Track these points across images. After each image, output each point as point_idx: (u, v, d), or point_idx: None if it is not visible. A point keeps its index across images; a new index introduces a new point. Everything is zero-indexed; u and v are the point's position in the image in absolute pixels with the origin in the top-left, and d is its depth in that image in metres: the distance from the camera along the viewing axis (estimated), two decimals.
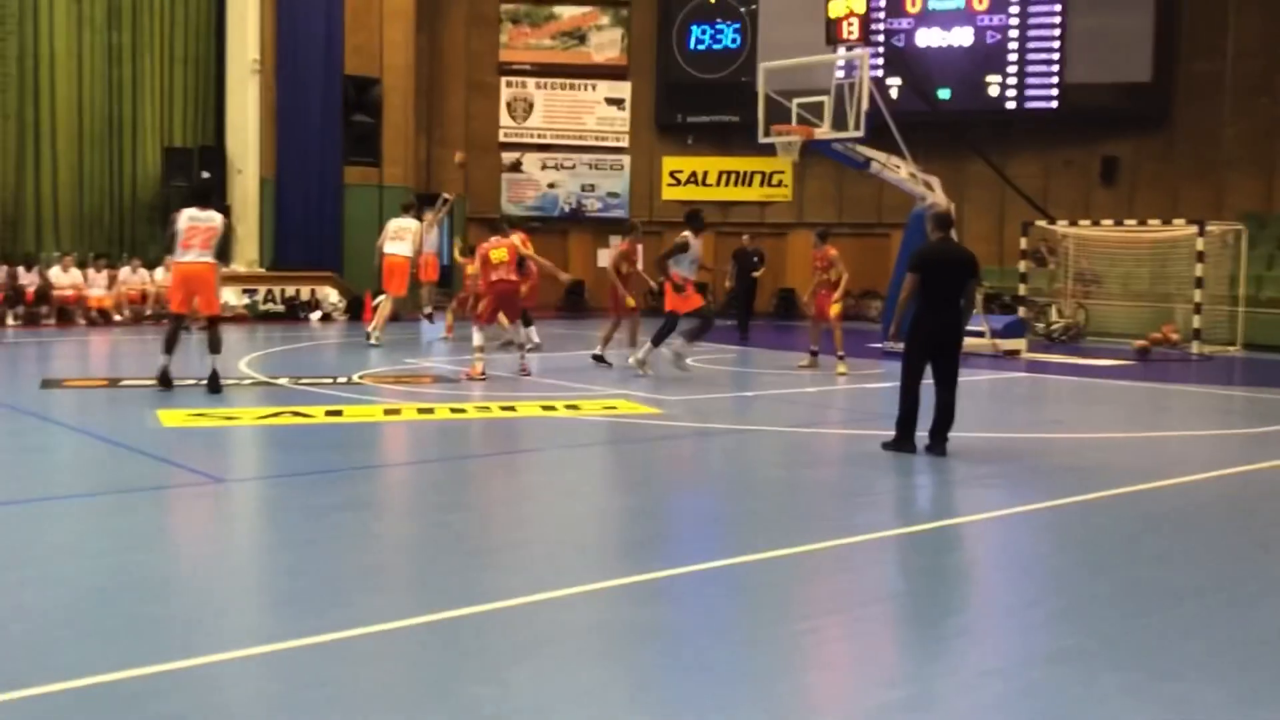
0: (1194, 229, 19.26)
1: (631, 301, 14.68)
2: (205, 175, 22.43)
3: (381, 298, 17.26)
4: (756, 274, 21.24)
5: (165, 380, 10.97)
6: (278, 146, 23.19)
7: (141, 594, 4.83)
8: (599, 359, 13.95)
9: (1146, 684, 3.99)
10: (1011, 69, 26.20)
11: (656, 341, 13.02)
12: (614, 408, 10.68)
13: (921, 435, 8.41)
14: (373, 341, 16.14)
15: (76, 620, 4.48)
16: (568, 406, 10.60)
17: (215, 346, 11.01)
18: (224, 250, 11.28)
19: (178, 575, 5.16)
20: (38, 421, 9.32)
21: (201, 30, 23.62)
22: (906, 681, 4.05)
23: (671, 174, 28.70)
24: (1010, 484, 7.66)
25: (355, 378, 12.35)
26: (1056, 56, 25.94)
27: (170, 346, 11.03)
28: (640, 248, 15.22)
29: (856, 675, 4.17)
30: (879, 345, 18.02)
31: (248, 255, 23.00)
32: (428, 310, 18.73)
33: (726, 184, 28.28)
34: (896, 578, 5.51)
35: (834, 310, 14.43)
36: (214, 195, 12.12)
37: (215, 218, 11.11)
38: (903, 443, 8.40)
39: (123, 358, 15.43)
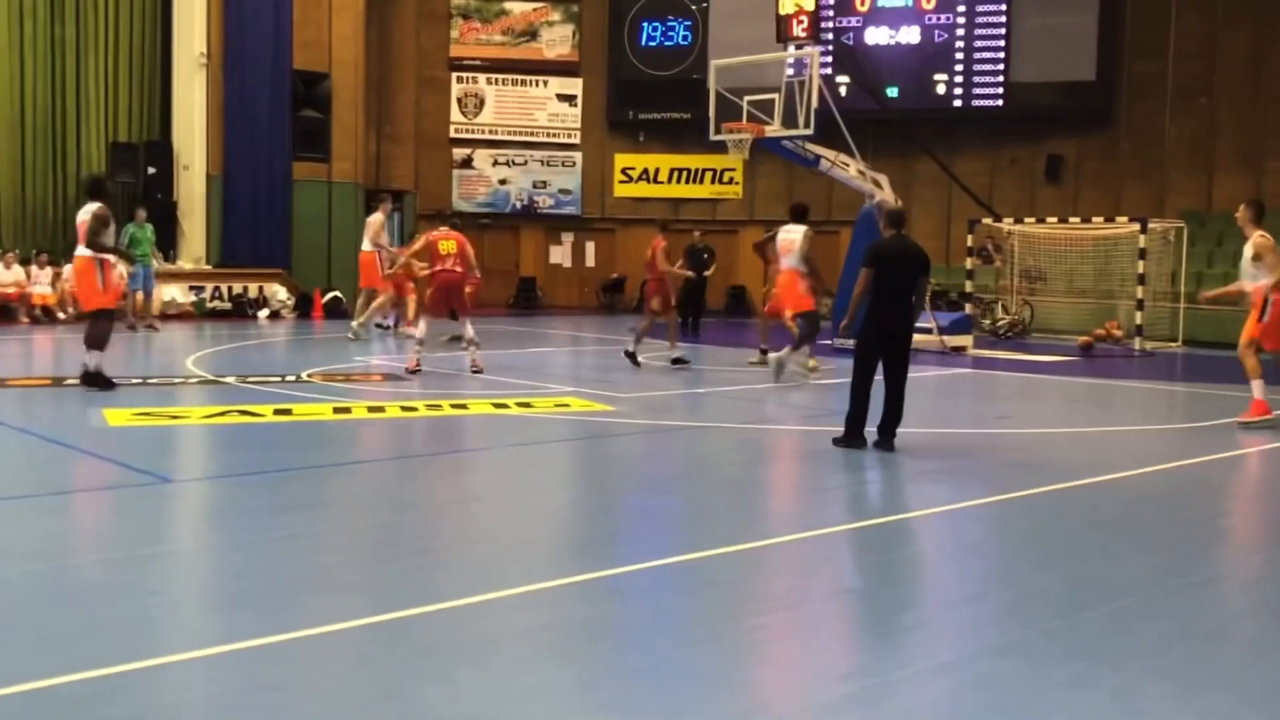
0: (1136, 227, 19.59)
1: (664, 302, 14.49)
2: (151, 171, 22.17)
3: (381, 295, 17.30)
4: (707, 272, 21.31)
5: (92, 379, 10.81)
6: (225, 142, 22.93)
7: (88, 596, 4.77)
8: (631, 356, 13.96)
9: (1092, 675, 4.06)
10: (958, 68, 26.47)
11: (803, 343, 13.38)
12: (566, 405, 10.68)
13: (870, 431, 8.49)
14: (350, 335, 16.55)
15: (21, 624, 4.41)
16: (519, 404, 10.58)
17: (88, 341, 10.84)
18: (91, 240, 10.93)
19: (124, 577, 5.10)
20: None
21: (147, 23, 23.29)
22: (857, 676, 4.10)
23: (623, 171, 28.72)
24: (957, 479, 7.76)
25: (304, 376, 12.25)
26: (1002, 56, 26.25)
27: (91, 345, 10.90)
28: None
29: (808, 671, 4.21)
30: (829, 342, 18.16)
31: (194, 252, 22.74)
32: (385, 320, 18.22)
33: (677, 181, 28.35)
34: (847, 573, 5.57)
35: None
36: (103, 188, 11.89)
37: (86, 210, 11.07)
38: (853, 439, 8.48)
39: (66, 356, 15.20)
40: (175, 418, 9.45)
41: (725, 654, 4.29)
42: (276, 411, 9.79)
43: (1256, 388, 10.10)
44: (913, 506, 6.86)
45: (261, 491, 7.00)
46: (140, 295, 18.48)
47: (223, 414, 9.66)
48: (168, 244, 22.22)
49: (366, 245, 17.39)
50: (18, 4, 21.60)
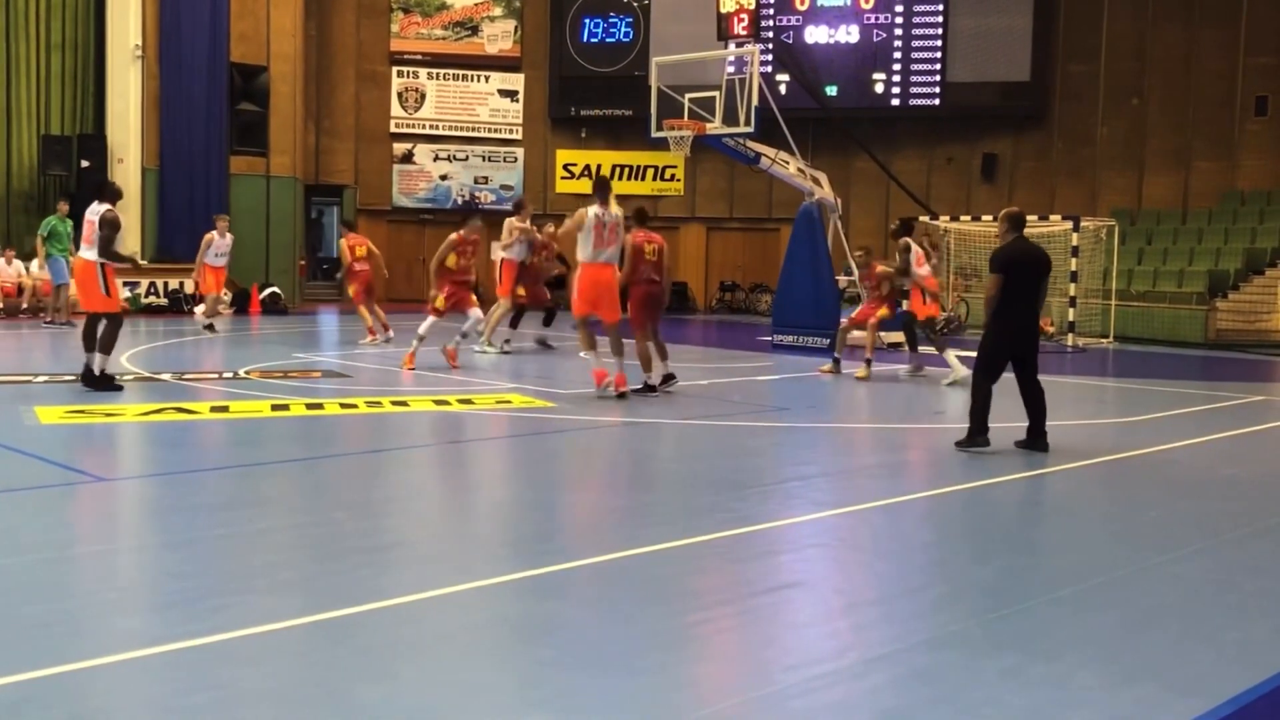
0: (1069, 224, 19.93)
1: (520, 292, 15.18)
2: (84, 164, 21.76)
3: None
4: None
5: (98, 381, 10.60)
6: (161, 135, 22.58)
7: (19, 597, 4.69)
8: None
9: (1026, 666, 4.14)
10: (896, 67, 26.76)
11: (915, 345, 13.85)
12: (507, 402, 10.66)
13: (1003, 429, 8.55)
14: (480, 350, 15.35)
15: None
16: (460, 401, 10.54)
17: (100, 345, 10.64)
18: (105, 249, 10.62)
19: (57, 578, 5.01)
20: None
21: (80, 14, 22.88)
22: (797, 668, 4.14)
23: (565, 167, 28.70)
24: (894, 474, 7.87)
25: (242, 373, 12.11)
26: (939, 56, 26.58)
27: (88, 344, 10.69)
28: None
29: (749, 664, 4.25)
30: (768, 339, 18.28)
31: (129, 247, 22.33)
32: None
33: (619, 178, 28.39)
34: (786, 567, 5.62)
35: (878, 315, 14.10)
36: (114, 191, 11.13)
37: (94, 211, 10.72)
38: (975, 439, 8.50)
39: None
40: (109, 415, 9.30)
41: (666, 649, 4.31)
42: (213, 409, 9.67)
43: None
44: (849, 501, 6.94)
45: (197, 490, 6.91)
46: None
47: (158, 411, 9.52)
48: None
49: (503, 253, 15.85)
50: None
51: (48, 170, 21.84)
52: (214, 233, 17.39)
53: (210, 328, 17.32)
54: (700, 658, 4.33)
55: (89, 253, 10.63)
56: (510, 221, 15.74)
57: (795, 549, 5.97)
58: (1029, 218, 21.59)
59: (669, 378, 11.70)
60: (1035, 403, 8.63)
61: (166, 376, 11.80)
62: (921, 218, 22.03)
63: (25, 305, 20.07)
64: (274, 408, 9.94)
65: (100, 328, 10.65)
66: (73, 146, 22.05)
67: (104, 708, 3.66)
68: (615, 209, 11.06)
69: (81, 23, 22.92)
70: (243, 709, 3.62)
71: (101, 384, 10.55)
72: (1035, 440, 8.61)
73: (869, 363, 13.75)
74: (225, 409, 9.73)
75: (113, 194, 10.95)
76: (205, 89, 22.77)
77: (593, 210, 10.96)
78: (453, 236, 13.61)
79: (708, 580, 5.30)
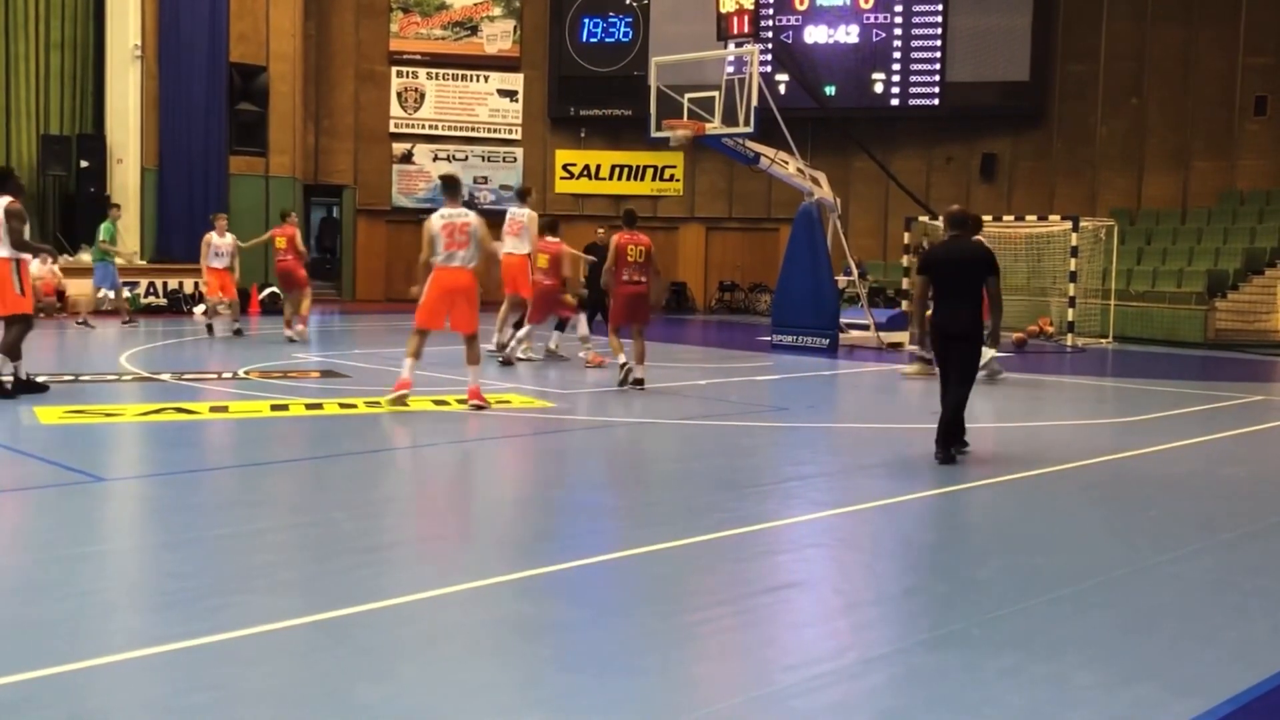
0: (1068, 224, 19.94)
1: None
2: (83, 164, 21.77)
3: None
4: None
5: (25, 387, 10.12)
6: (160, 135, 22.58)
7: (19, 598, 4.69)
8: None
9: (1026, 665, 4.14)
10: (895, 67, 26.76)
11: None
12: (507, 402, 10.66)
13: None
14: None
15: None
16: (459, 401, 10.54)
17: (6, 350, 9.99)
18: (17, 240, 9.94)
19: (57, 577, 5.02)
20: None
21: (80, 14, 22.88)
22: (796, 668, 4.14)
23: (564, 167, 28.70)
24: (895, 473, 7.87)
25: (242, 373, 12.11)
26: (938, 56, 26.58)
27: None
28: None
29: (748, 664, 4.25)
30: (767, 339, 18.29)
31: (128, 247, 22.35)
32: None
33: (619, 178, 28.39)
34: (785, 567, 5.62)
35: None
36: (12, 180, 10.24)
37: None
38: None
39: None
40: (109, 415, 9.30)
41: (666, 649, 4.31)
42: (213, 409, 9.67)
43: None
44: (849, 501, 6.94)
45: (197, 490, 6.92)
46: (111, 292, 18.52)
47: (158, 411, 9.52)
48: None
49: (520, 247, 14.76)
50: None
51: (47, 170, 21.84)
52: (212, 233, 17.31)
53: (209, 329, 17.26)
54: (700, 657, 4.33)
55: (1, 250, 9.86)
56: (514, 211, 15.06)
57: (794, 549, 5.97)
58: (1028, 217, 21.42)
59: (638, 381, 11.73)
60: (954, 408, 8.17)
61: (166, 376, 11.80)
62: (922, 217, 22.05)
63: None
64: (273, 408, 9.94)
65: (10, 331, 10.03)
66: (72, 146, 22.05)
67: (104, 707, 3.66)
68: (464, 210, 10.39)
69: (81, 22, 22.92)
70: (242, 709, 3.62)
71: (30, 389, 10.04)
72: (951, 446, 8.18)
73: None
74: (225, 409, 9.74)
75: (15, 187, 10.16)
76: (205, 89, 22.78)
77: (437, 214, 10.24)
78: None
79: (707, 580, 5.30)
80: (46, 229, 22.26)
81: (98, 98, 22.97)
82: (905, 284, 20.82)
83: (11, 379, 10.05)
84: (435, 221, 10.18)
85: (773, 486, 7.49)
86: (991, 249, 8.76)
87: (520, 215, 14.84)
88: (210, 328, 17.30)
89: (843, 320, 18.02)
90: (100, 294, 18.76)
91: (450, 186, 10.68)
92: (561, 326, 15.55)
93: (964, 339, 8.12)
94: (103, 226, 18.21)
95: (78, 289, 21.14)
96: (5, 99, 22.06)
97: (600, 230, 22.70)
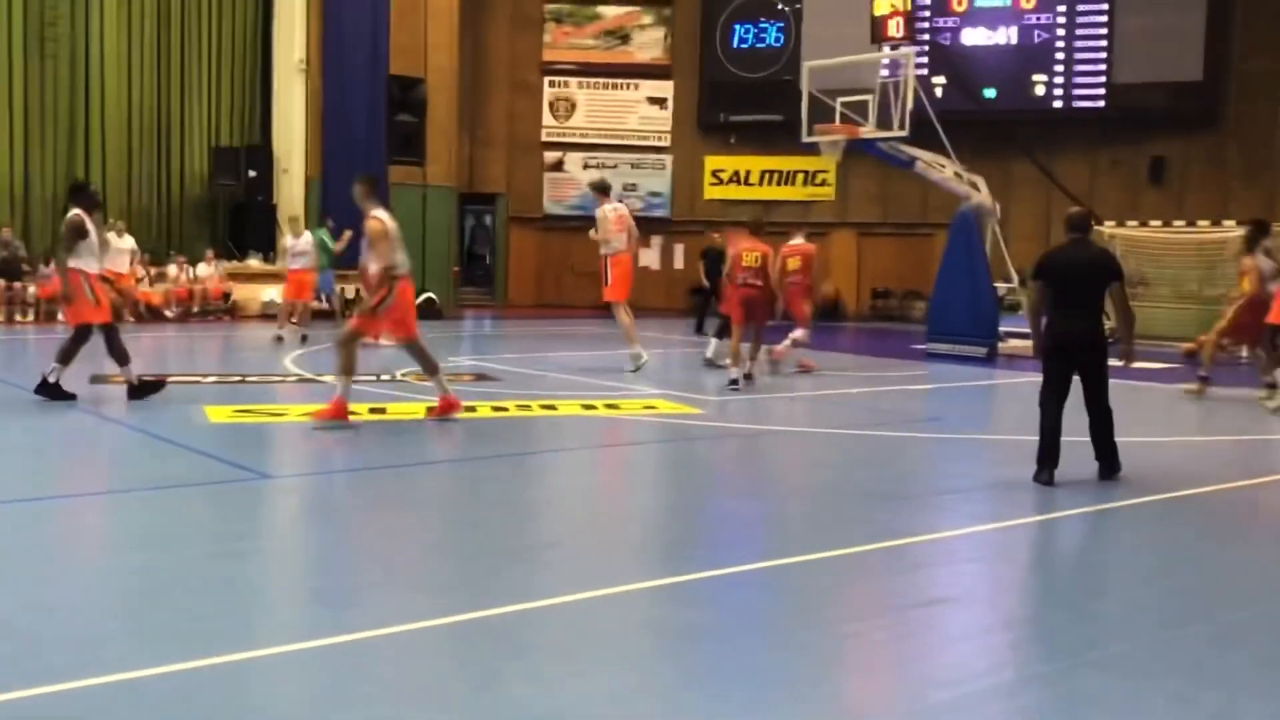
0: (1243, 230, 18.97)
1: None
2: (251, 174, 22.69)
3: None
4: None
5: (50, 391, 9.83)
6: (323, 146, 23.36)
7: (186, 589, 4.88)
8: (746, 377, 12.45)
9: (1193, 693, 3.93)
10: (1058, 69, 25.94)
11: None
12: (653, 407, 10.68)
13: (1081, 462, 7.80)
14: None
15: (123, 614, 4.53)
16: (607, 406, 10.60)
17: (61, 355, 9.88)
18: (63, 251, 9.93)
19: (223, 570, 5.21)
20: (86, 416, 9.43)
21: (249, 30, 23.86)
22: (950, 685, 4.02)
23: (714, 173, 28.66)
24: (1052, 488, 7.54)
25: (399, 375, 12.42)
26: (1104, 56, 25.67)
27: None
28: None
29: (898, 679, 4.14)
30: (922, 347, 17.92)
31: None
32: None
33: (768, 183, 28.21)
34: (938, 581, 5.47)
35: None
36: (86, 193, 10.30)
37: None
38: (1038, 469, 7.55)
39: (170, 354, 15.62)
40: (274, 415, 9.64)
41: (816, 659, 4.24)
42: (371, 410, 9.94)
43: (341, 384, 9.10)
44: (1008, 515, 6.71)
45: (356, 488, 7.11)
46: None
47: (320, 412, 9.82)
48: (268, 246, 22.75)
49: (615, 248, 13.93)
50: (126, 12, 22.29)
51: (218, 180, 22.83)
52: (288, 235, 16.49)
53: (279, 339, 16.57)
54: (850, 671, 4.24)
55: (73, 261, 9.88)
56: (605, 210, 13.98)
57: (948, 563, 5.81)
58: (1201, 222, 20.27)
59: (748, 377, 12.28)
60: (1095, 425, 7.59)
61: (328, 378, 12.18)
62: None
63: (196, 309, 21.02)
64: (428, 410, 10.15)
65: (79, 338, 9.95)
66: (240, 157, 23.01)
67: (268, 697, 3.78)
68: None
69: (250, 38, 23.91)
70: (397, 702, 3.69)
71: (55, 394, 9.81)
72: (1101, 465, 7.63)
73: (1205, 380, 12.57)
74: (383, 410, 10.00)
75: (88, 200, 10.11)
76: (365, 100, 23.48)
77: (386, 214, 9.42)
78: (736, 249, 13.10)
79: (858, 592, 5.19)
80: (216, 236, 23.28)
81: (264, 110, 23.92)
82: None
83: (133, 381, 10.08)
84: (392, 226, 9.32)
85: (926, 498, 7.30)
86: (1114, 252, 8.13)
87: (618, 209, 14.01)
88: (280, 338, 16.65)
89: (1002, 329, 17.52)
90: (321, 301, 18.89)
91: (376, 184, 9.98)
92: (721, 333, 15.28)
93: (1088, 350, 7.54)
94: (320, 233, 18.37)
95: (245, 293, 22.08)
96: (180, 113, 23.16)
97: (715, 234, 22.68)
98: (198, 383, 11.73)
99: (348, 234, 17.36)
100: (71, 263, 9.87)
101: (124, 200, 22.52)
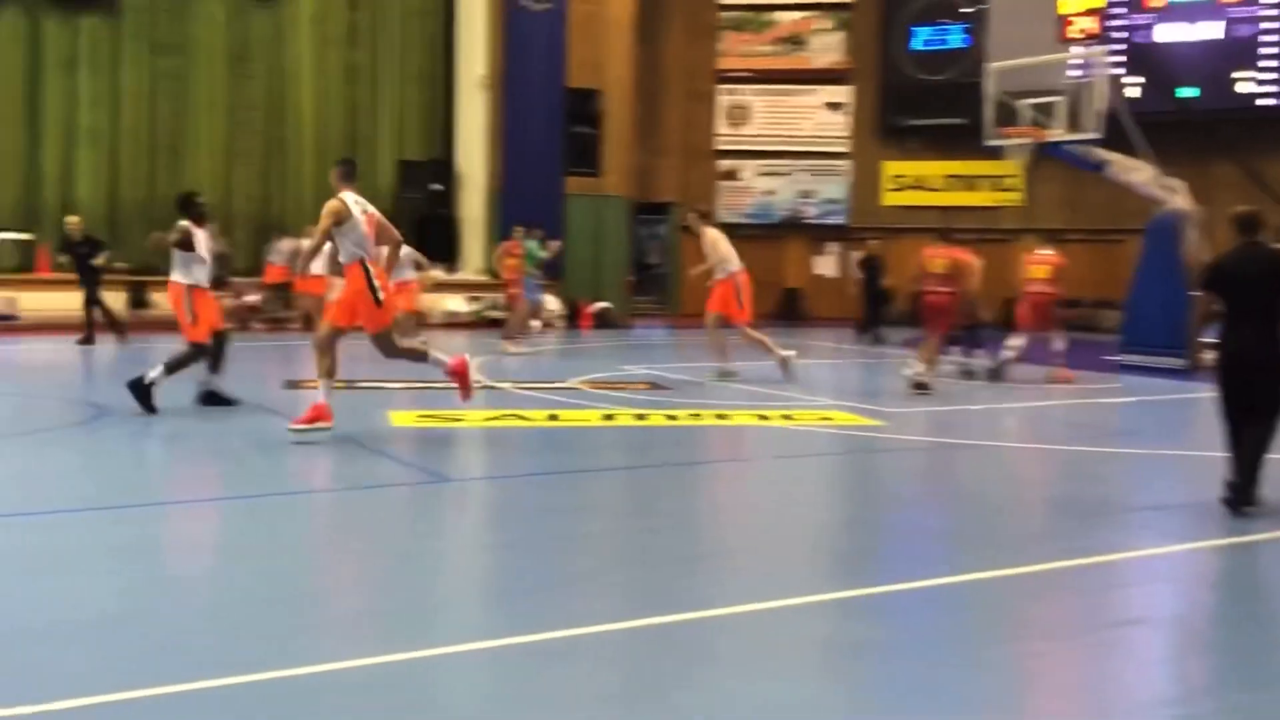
0: None
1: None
2: (435, 188, 23.40)
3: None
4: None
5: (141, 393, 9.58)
6: (504, 158, 23.91)
7: (369, 588, 5.02)
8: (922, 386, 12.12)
9: None
10: (1267, 64, 24.48)
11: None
12: (829, 419, 10.50)
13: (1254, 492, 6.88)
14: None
15: (306, 610, 4.68)
16: (782, 416, 10.47)
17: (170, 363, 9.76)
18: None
19: (402, 570, 5.33)
20: (279, 420, 9.84)
21: (433, 49, 24.63)
22: (1140, 710, 3.79)
23: (893, 179, 28.12)
24: (1257, 509, 7.06)
25: (573, 383, 12.57)
26: None
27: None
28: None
29: (1086, 701, 3.93)
30: (1114, 358, 17.16)
31: (475, 263, 23.82)
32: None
33: (951, 189, 27.52)
34: (1130, 601, 5.18)
35: None
36: (190, 206, 10.05)
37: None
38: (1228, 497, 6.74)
39: (358, 361, 16.17)
40: (455, 420, 9.88)
41: (998, 680, 4.06)
42: (548, 417, 10.07)
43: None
44: (1206, 535, 6.32)
45: (532, 493, 7.20)
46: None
47: (498, 418, 10.03)
48: (451, 257, 23.40)
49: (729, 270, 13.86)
50: (319, 33, 23.31)
51: (404, 193, 23.62)
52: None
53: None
54: (1035, 691, 4.05)
55: (174, 274, 9.87)
56: (709, 231, 13.81)
57: (1141, 583, 5.51)
58: None
59: (920, 385, 12.03)
60: (1248, 449, 6.72)
61: (506, 385, 12.42)
62: None
63: None
64: (603, 417, 10.24)
65: (188, 351, 9.84)
66: (426, 171, 23.74)
67: (445, 694, 3.86)
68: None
69: (435, 56, 24.69)
70: (569, 705, 3.70)
71: (140, 393, 9.51)
72: (1234, 494, 6.68)
73: None
74: (557, 417, 10.12)
75: (195, 213, 9.94)
76: (543, 114, 23.91)
77: (351, 196, 8.96)
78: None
79: (1045, 611, 4.97)
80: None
81: (447, 125, 24.65)
82: None
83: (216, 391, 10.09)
84: (355, 208, 8.95)
85: (1119, 516, 6.94)
86: None
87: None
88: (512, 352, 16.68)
89: (1202, 340, 16.60)
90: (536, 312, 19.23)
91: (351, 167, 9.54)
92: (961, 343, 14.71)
93: (1266, 370, 6.74)
94: (532, 244, 18.74)
95: (429, 303, 22.73)
96: (372, 129, 24.07)
97: (871, 242, 22.16)
98: (384, 388, 12.11)
99: (557, 244, 17.91)
100: (177, 277, 9.78)
101: (319, 214, 23.47)
